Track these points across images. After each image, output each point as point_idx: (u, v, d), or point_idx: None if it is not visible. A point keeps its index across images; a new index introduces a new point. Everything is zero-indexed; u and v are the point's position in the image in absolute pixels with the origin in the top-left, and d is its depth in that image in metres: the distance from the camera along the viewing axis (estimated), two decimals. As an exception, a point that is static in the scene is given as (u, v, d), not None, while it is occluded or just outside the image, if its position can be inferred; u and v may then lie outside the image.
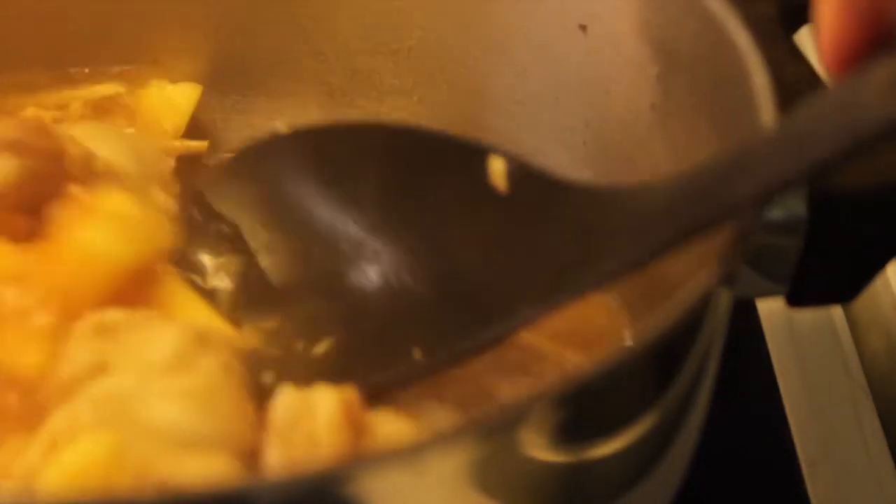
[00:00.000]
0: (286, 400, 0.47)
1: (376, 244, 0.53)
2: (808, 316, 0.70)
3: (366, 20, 0.65)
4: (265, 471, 0.45)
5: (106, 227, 0.53)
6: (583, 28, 0.59)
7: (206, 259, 0.56)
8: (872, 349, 0.71)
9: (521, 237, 0.50)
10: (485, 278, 0.50)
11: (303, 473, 0.39)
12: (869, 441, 0.65)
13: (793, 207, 0.51)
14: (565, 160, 0.61)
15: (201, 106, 0.65)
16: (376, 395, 0.49)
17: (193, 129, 0.64)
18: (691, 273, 0.45)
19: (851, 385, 0.68)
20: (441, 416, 0.50)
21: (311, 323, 0.53)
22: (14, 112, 0.62)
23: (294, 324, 0.53)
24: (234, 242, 0.56)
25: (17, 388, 0.49)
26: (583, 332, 0.57)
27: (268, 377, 0.51)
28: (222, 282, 0.55)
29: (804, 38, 0.60)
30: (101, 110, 0.64)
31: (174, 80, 0.65)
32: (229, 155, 0.60)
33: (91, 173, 0.55)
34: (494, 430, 0.40)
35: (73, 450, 0.44)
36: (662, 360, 0.44)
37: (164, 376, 0.46)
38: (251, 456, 0.46)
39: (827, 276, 0.54)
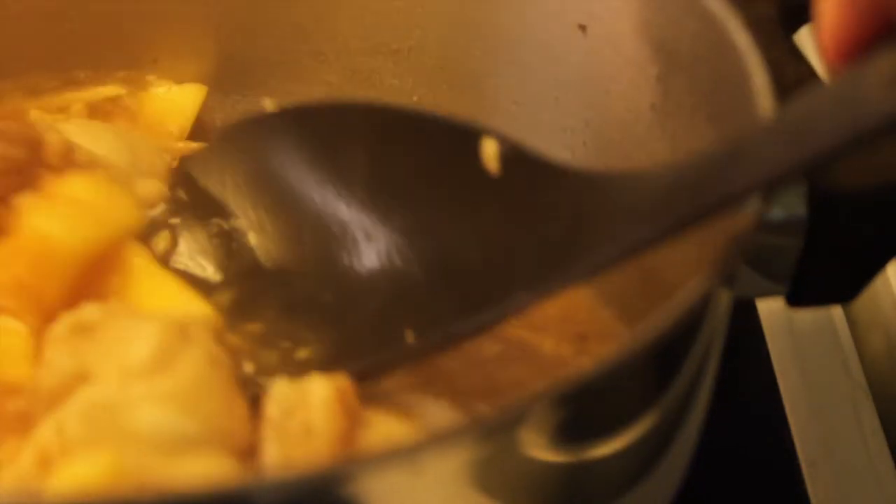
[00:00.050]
0: (280, 391, 0.47)
1: (367, 225, 0.52)
2: (808, 316, 0.70)
3: (366, 20, 0.65)
4: (263, 465, 0.45)
5: (61, 212, 0.53)
6: (583, 28, 0.59)
7: (194, 240, 0.55)
8: (872, 349, 0.71)
9: (514, 220, 0.49)
10: (478, 260, 0.50)
11: (302, 473, 0.39)
12: (869, 441, 0.65)
13: (793, 207, 0.51)
14: (565, 160, 0.61)
15: (202, 106, 0.65)
16: (369, 378, 0.49)
17: (194, 129, 0.64)
18: (691, 273, 0.45)
19: (851, 385, 0.68)
20: (437, 413, 0.49)
21: (302, 304, 0.53)
22: (17, 115, 0.62)
23: (284, 305, 0.53)
24: (221, 222, 0.55)
25: (7, 390, 0.49)
26: (576, 324, 0.57)
27: (260, 360, 0.50)
28: (211, 263, 0.55)
29: (804, 38, 0.60)
30: (103, 112, 0.64)
31: (174, 81, 0.65)
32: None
33: (70, 164, 0.55)
34: (494, 430, 0.40)
35: (71, 471, 0.44)
36: (662, 360, 0.44)
37: (148, 379, 0.46)
38: (247, 451, 0.46)
39: (827, 276, 0.54)
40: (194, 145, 0.63)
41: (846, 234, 0.52)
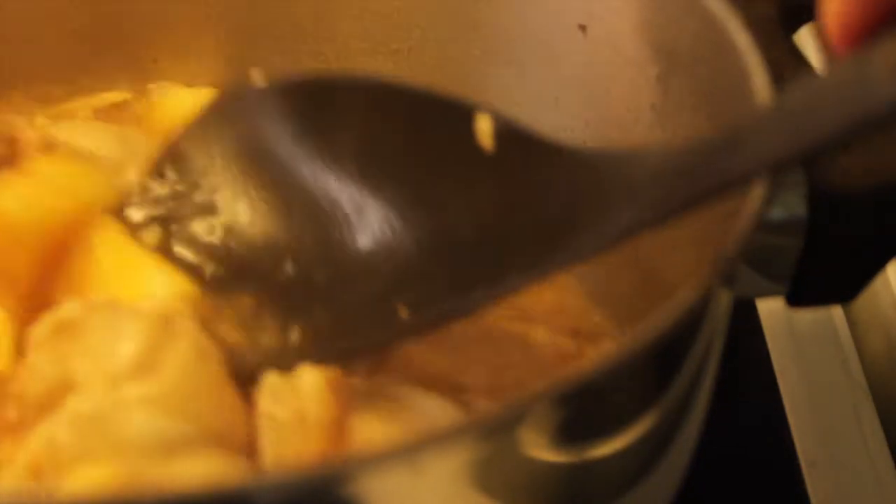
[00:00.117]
0: (271, 383, 0.46)
1: (359, 202, 0.51)
2: (808, 316, 0.70)
3: (366, 20, 0.65)
4: (260, 457, 0.45)
5: (19, 188, 0.52)
6: (583, 28, 0.59)
7: (180, 216, 0.54)
8: (872, 349, 0.71)
9: (509, 197, 0.49)
10: (471, 238, 0.49)
11: (302, 473, 0.39)
12: (869, 441, 0.65)
13: (793, 207, 0.51)
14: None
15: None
16: (361, 355, 0.49)
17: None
18: (691, 273, 0.45)
19: (851, 385, 0.68)
20: (427, 405, 0.49)
21: (293, 282, 0.52)
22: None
23: (274, 283, 0.52)
24: (208, 198, 0.54)
25: None
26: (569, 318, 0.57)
27: (250, 339, 0.50)
28: (198, 240, 0.54)
29: (804, 38, 0.60)
30: (110, 118, 0.64)
31: (174, 81, 0.65)
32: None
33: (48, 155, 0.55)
34: (494, 430, 0.40)
35: (73, 485, 0.44)
36: (662, 360, 0.44)
37: (135, 383, 0.45)
38: (244, 444, 0.46)
39: (827, 276, 0.54)
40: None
41: (846, 234, 0.52)
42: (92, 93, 0.65)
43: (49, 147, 0.55)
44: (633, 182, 0.45)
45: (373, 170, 0.52)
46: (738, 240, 0.45)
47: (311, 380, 0.46)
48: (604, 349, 0.57)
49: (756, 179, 0.45)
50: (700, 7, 0.53)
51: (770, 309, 0.70)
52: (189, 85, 0.66)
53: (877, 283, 0.62)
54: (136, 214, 0.54)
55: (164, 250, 0.53)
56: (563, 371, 0.54)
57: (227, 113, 0.55)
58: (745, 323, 0.69)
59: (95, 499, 0.41)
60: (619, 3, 0.58)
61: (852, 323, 0.72)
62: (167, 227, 0.54)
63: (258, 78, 0.55)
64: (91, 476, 0.43)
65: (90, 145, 0.57)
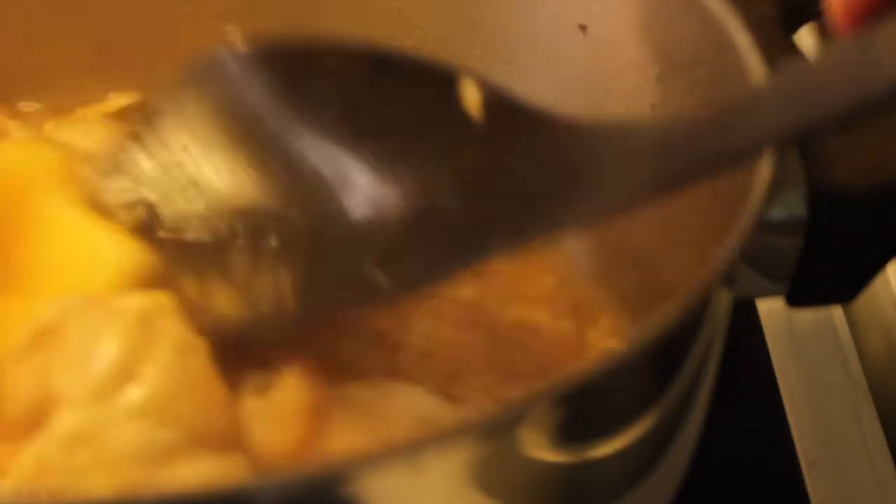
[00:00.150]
0: (250, 377, 0.46)
1: (342, 168, 0.51)
2: (808, 316, 0.70)
3: (366, 20, 0.65)
4: (248, 448, 0.45)
5: None
6: (583, 28, 0.59)
7: (154, 180, 0.53)
8: (872, 349, 0.71)
9: (497, 167, 0.48)
10: (457, 207, 0.49)
11: (302, 473, 0.39)
12: (869, 441, 0.65)
13: (793, 207, 0.51)
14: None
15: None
16: (338, 319, 0.49)
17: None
18: (691, 273, 0.45)
19: (851, 385, 0.68)
20: (409, 397, 0.49)
21: (272, 246, 0.51)
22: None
23: (253, 249, 0.51)
24: (185, 162, 0.53)
25: None
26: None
27: (228, 303, 0.50)
28: (174, 203, 0.53)
29: (804, 38, 0.60)
30: (119, 121, 0.64)
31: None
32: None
33: None
34: (494, 430, 0.40)
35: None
36: (662, 360, 0.44)
37: (119, 393, 0.44)
38: (236, 439, 0.46)
39: (827, 276, 0.54)
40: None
41: (846, 234, 0.52)
42: (101, 100, 0.65)
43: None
44: (624, 155, 0.45)
45: (357, 136, 0.51)
46: (738, 240, 0.45)
47: (291, 372, 0.46)
48: (603, 326, 0.57)
49: (754, 156, 0.45)
50: (700, 7, 0.53)
51: (770, 309, 0.70)
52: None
53: (877, 283, 0.62)
54: (109, 182, 0.54)
55: (140, 219, 0.52)
56: (564, 353, 0.55)
57: (208, 77, 0.54)
58: (745, 323, 0.69)
59: (95, 499, 0.41)
60: (619, 3, 0.58)
61: (852, 323, 0.72)
62: (141, 192, 0.53)
63: (235, 36, 0.54)
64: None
65: (91, 145, 0.57)
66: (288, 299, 0.49)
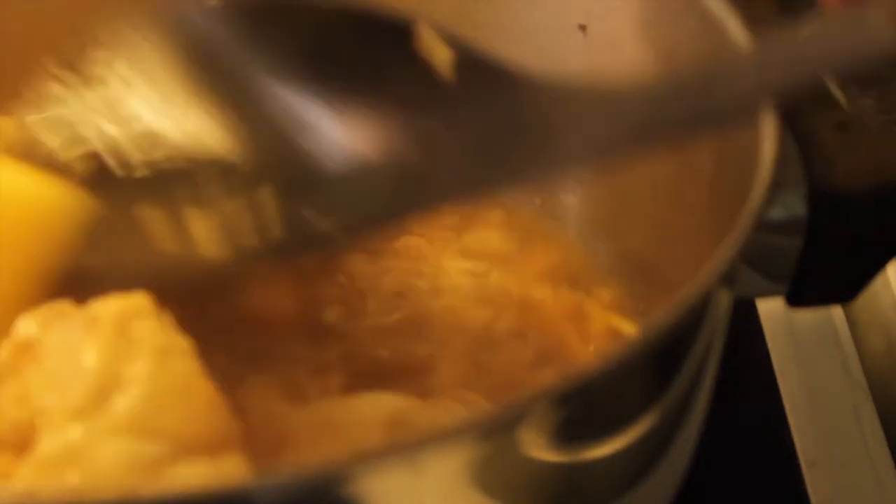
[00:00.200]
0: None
1: (305, 118, 0.51)
2: (808, 316, 0.70)
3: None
4: None
5: None
6: (583, 28, 0.59)
7: (110, 128, 0.53)
8: (872, 349, 0.71)
9: (459, 120, 0.48)
10: (416, 157, 0.49)
11: (302, 473, 0.39)
12: (869, 441, 0.65)
13: (793, 207, 0.51)
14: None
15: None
16: (290, 260, 0.49)
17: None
18: (691, 273, 0.45)
19: (851, 385, 0.68)
20: (385, 400, 0.49)
21: (236, 192, 0.51)
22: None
23: (214, 192, 0.51)
24: (143, 112, 0.53)
25: None
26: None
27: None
28: (130, 154, 0.52)
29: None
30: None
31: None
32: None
33: None
34: (494, 430, 0.40)
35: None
36: (662, 360, 0.44)
37: (101, 409, 0.44)
38: (227, 439, 0.45)
39: (827, 276, 0.54)
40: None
41: (846, 234, 0.52)
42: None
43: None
44: (592, 113, 0.45)
45: (321, 88, 0.51)
46: (738, 240, 0.45)
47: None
48: (603, 298, 0.57)
49: (737, 117, 0.44)
50: (700, 7, 0.53)
51: (770, 309, 0.70)
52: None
53: (877, 283, 0.62)
54: (53, 131, 0.53)
55: (92, 169, 0.52)
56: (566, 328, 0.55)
57: (166, 24, 0.54)
58: (745, 323, 0.69)
59: (95, 499, 0.41)
60: (619, 3, 0.58)
61: (852, 323, 0.72)
62: (93, 142, 0.52)
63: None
64: None
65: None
66: (270, 227, 0.49)
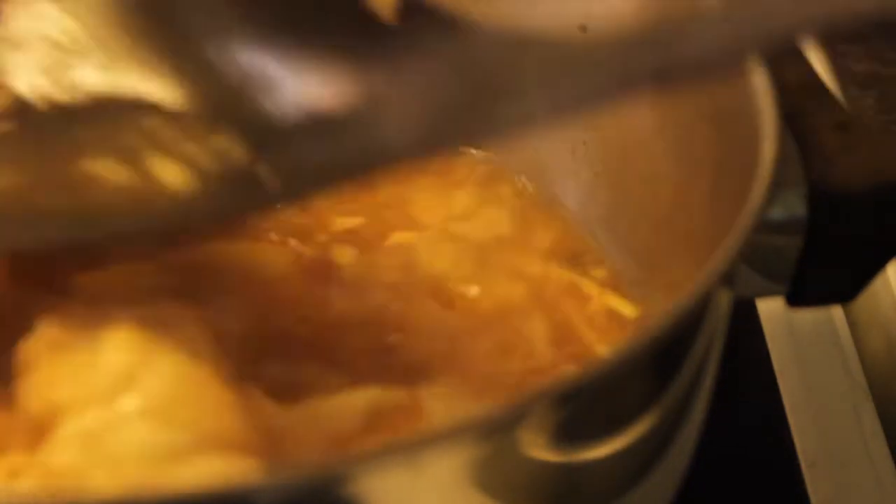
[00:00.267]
0: None
1: (260, 74, 0.50)
2: (808, 316, 0.70)
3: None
4: None
5: None
6: (583, 28, 0.59)
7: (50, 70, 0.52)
8: (872, 349, 0.71)
9: (411, 75, 0.47)
10: (372, 116, 0.48)
11: (303, 473, 0.39)
12: (869, 441, 0.65)
13: (793, 207, 0.51)
14: (566, 160, 0.61)
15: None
16: (230, 220, 0.49)
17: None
18: (691, 273, 0.45)
19: (851, 385, 0.68)
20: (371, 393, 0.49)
21: (170, 143, 0.50)
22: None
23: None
24: (69, 59, 0.52)
25: None
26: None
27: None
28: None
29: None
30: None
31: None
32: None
33: None
34: (494, 430, 0.40)
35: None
36: (662, 360, 0.44)
37: (127, 396, 0.45)
38: (245, 442, 0.46)
39: (827, 276, 0.54)
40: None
41: (846, 234, 0.52)
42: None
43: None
44: (551, 67, 0.44)
45: (265, 36, 0.50)
46: (738, 240, 0.45)
47: None
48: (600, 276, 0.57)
49: (711, 71, 0.44)
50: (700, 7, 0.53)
51: (770, 309, 0.70)
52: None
53: (877, 283, 0.62)
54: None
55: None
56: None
57: None
58: (745, 323, 0.69)
59: (96, 499, 0.41)
60: (619, 3, 0.58)
61: (852, 323, 0.72)
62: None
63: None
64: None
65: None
66: (218, 181, 0.49)
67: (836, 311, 0.72)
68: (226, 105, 0.50)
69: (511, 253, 0.58)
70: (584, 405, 0.42)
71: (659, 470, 0.47)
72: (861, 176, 0.51)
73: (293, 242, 0.58)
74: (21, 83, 0.51)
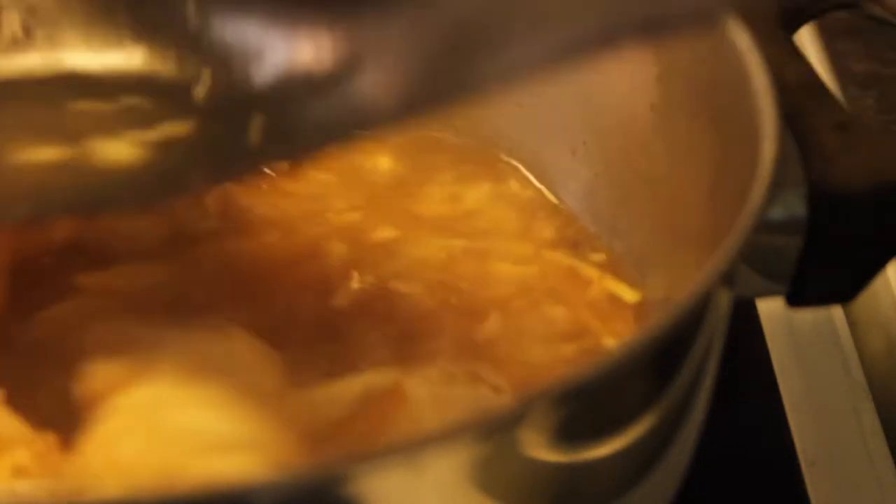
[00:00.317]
0: None
1: (230, 38, 0.51)
2: (808, 316, 0.70)
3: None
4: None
5: None
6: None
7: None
8: (872, 349, 0.71)
9: (394, 30, 0.48)
10: (347, 72, 0.48)
11: (302, 473, 0.39)
12: (869, 441, 0.65)
13: (793, 207, 0.51)
14: (565, 160, 0.61)
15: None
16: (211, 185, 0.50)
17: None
18: (691, 273, 0.45)
19: (851, 385, 0.68)
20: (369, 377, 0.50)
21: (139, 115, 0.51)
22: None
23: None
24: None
25: None
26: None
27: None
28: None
29: (804, 38, 0.60)
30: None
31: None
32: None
33: None
34: (494, 430, 0.40)
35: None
36: (662, 360, 0.44)
37: (192, 384, 0.46)
38: (279, 455, 0.46)
39: (827, 276, 0.54)
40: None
41: (846, 234, 0.52)
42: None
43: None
44: (531, 19, 0.44)
45: (253, 4, 0.51)
46: (738, 240, 0.45)
47: None
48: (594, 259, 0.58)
49: (693, 22, 0.44)
50: (700, 7, 0.53)
51: (770, 309, 0.70)
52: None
53: (877, 283, 0.62)
54: None
55: None
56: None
57: None
58: (745, 323, 0.69)
59: (96, 499, 0.41)
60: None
61: (852, 323, 0.72)
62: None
63: None
64: (135, 463, 0.44)
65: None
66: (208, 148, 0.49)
67: (836, 311, 0.72)
68: (212, 73, 0.50)
69: (512, 244, 0.59)
70: (584, 405, 0.42)
71: (659, 470, 0.47)
72: (861, 176, 0.51)
73: (297, 236, 0.59)
74: None
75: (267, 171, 0.59)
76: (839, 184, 0.51)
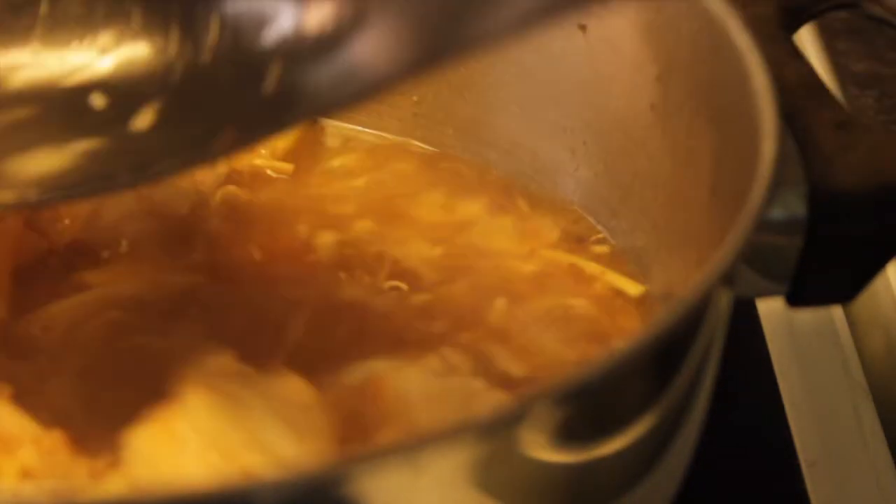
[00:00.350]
0: None
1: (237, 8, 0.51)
2: (808, 316, 0.70)
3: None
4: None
5: None
6: (583, 28, 0.59)
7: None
8: (872, 349, 0.71)
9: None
10: (350, 32, 0.48)
11: (302, 473, 0.39)
12: (869, 441, 0.65)
13: (793, 207, 0.51)
14: (565, 160, 0.61)
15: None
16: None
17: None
18: (691, 273, 0.45)
19: (851, 385, 0.68)
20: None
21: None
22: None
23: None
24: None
25: None
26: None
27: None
28: None
29: (804, 38, 0.60)
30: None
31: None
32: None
33: None
34: (494, 430, 0.40)
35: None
36: (662, 360, 0.44)
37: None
38: None
39: (827, 276, 0.54)
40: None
41: (846, 234, 0.52)
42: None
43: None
44: None
45: None
46: (738, 240, 0.45)
47: None
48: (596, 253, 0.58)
49: None
50: (700, 7, 0.53)
51: (770, 309, 0.70)
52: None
53: (877, 283, 0.62)
54: None
55: None
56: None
57: None
58: (745, 323, 0.69)
59: (96, 499, 0.41)
60: (620, 3, 0.58)
61: (852, 323, 0.72)
62: None
63: None
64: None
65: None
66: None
67: (836, 311, 0.72)
68: (219, 37, 0.50)
69: (513, 244, 0.59)
70: (584, 405, 0.42)
71: (659, 470, 0.47)
72: (861, 176, 0.51)
73: (297, 236, 0.59)
74: None
75: (268, 171, 0.59)
76: (839, 184, 0.51)
